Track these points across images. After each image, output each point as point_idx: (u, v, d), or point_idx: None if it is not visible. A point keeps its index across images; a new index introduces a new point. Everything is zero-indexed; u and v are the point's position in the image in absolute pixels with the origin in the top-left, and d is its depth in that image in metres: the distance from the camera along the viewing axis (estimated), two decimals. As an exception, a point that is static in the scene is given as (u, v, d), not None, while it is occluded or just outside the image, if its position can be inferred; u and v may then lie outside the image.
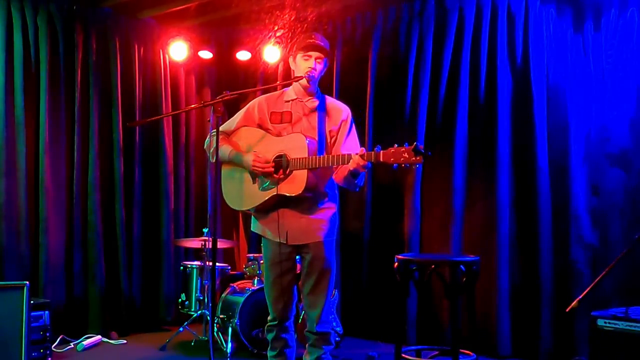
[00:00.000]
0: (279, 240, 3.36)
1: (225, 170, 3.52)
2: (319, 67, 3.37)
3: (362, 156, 3.07)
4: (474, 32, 4.93)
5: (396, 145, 3.00)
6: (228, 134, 3.53)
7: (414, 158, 2.96)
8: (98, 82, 5.41)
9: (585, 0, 4.54)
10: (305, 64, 3.35)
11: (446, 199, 4.97)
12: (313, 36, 3.38)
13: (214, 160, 3.31)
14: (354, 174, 3.20)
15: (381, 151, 3.03)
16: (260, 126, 3.46)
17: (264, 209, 3.39)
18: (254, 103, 3.52)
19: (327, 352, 3.42)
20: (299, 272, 3.54)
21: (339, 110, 3.45)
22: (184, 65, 6.08)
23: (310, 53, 3.34)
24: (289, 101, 3.44)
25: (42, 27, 5.08)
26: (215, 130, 3.31)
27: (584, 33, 4.53)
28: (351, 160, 3.10)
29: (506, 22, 4.80)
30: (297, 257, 3.46)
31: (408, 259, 3.83)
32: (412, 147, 2.95)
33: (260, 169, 3.32)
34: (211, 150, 3.41)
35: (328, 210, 3.39)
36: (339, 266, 5.38)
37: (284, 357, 3.48)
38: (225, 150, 3.44)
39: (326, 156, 3.20)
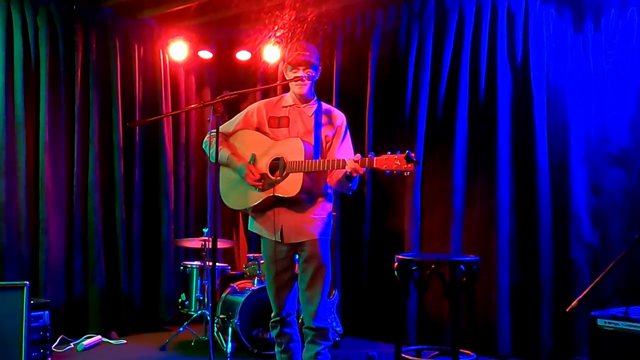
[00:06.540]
0: (275, 239, 3.45)
1: (223, 170, 3.60)
2: (310, 74, 3.44)
3: (356, 162, 3.17)
4: (474, 32, 4.93)
5: (389, 153, 3.11)
6: (227, 136, 3.62)
7: (405, 166, 3.07)
8: (98, 82, 5.41)
9: (585, 0, 4.54)
10: (295, 76, 3.44)
11: (446, 199, 4.97)
12: (297, 49, 3.45)
13: (212, 160, 3.34)
14: (349, 177, 3.30)
15: (375, 157, 3.14)
16: (258, 130, 3.56)
17: (261, 209, 3.48)
18: (252, 108, 3.61)
19: (325, 347, 3.44)
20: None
21: (335, 116, 3.56)
22: (184, 65, 6.08)
23: (297, 67, 3.43)
24: (286, 107, 3.53)
25: (42, 27, 5.08)
26: (214, 130, 3.34)
27: (584, 33, 4.53)
28: (347, 165, 3.20)
29: (506, 22, 4.80)
30: (296, 255, 3.53)
31: (408, 259, 3.84)
32: (404, 154, 3.06)
33: (252, 185, 3.41)
34: (210, 151, 3.51)
35: (323, 211, 3.48)
36: (338, 266, 5.38)
37: (289, 352, 3.53)
38: (224, 153, 3.53)
39: (322, 161, 3.31)
